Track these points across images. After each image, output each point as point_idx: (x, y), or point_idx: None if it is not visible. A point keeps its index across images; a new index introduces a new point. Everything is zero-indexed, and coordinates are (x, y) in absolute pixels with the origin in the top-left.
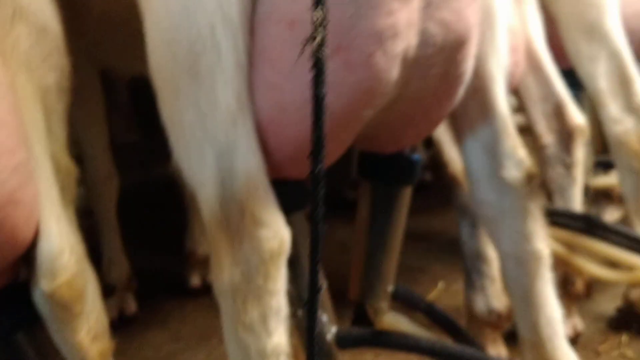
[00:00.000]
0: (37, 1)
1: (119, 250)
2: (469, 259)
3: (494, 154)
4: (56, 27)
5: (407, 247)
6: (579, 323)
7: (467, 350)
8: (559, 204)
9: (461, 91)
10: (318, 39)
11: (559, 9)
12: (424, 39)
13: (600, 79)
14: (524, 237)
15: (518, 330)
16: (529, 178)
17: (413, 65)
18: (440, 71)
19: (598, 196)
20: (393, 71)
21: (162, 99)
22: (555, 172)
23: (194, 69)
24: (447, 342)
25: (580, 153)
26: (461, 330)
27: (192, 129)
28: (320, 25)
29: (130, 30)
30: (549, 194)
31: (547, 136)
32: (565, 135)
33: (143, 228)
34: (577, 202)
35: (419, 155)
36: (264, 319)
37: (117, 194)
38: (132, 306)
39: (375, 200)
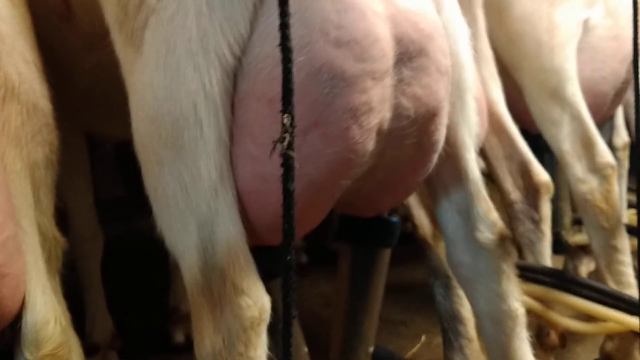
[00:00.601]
0: (28, 81)
1: (103, 309)
2: (446, 320)
3: (468, 217)
4: (46, 104)
5: (390, 300)
6: None
7: None
8: (529, 257)
9: (435, 158)
10: (287, 140)
11: (522, 76)
12: (397, 113)
13: (564, 141)
14: (499, 297)
15: None
16: (502, 240)
17: (388, 136)
18: (414, 141)
19: (575, 249)
20: (369, 143)
21: (145, 171)
22: (524, 228)
23: (177, 144)
24: None
25: (547, 208)
26: None
27: (175, 200)
28: (288, 128)
29: (113, 102)
30: (519, 249)
31: (515, 193)
32: (532, 191)
33: (127, 283)
34: (546, 255)
35: (398, 218)
36: None
37: (102, 253)
38: None
39: (355, 262)
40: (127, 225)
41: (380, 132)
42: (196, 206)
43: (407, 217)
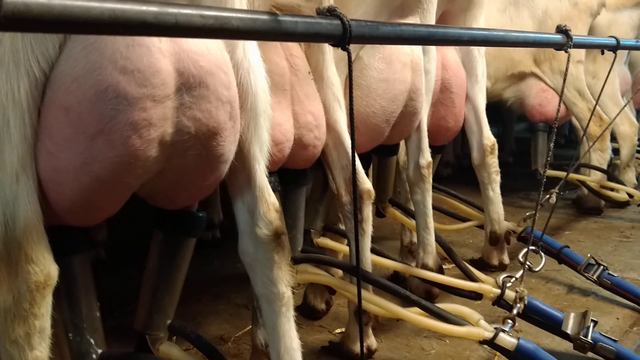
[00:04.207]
0: None
1: None
2: (256, 299)
3: (253, 215)
4: None
5: (241, 287)
6: (373, 343)
7: None
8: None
9: (224, 167)
10: None
11: None
12: (179, 129)
13: None
14: (271, 282)
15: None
16: (276, 235)
17: (171, 147)
18: (198, 152)
19: (404, 251)
20: (150, 150)
21: None
22: (351, 225)
23: None
24: None
25: (369, 210)
26: (224, 358)
27: None
28: None
29: None
30: (349, 242)
31: (346, 197)
32: (358, 196)
33: None
34: (367, 248)
35: (204, 213)
36: (28, 336)
37: None
38: None
39: (163, 247)
40: None
41: (163, 143)
42: (1, 189)
43: None
